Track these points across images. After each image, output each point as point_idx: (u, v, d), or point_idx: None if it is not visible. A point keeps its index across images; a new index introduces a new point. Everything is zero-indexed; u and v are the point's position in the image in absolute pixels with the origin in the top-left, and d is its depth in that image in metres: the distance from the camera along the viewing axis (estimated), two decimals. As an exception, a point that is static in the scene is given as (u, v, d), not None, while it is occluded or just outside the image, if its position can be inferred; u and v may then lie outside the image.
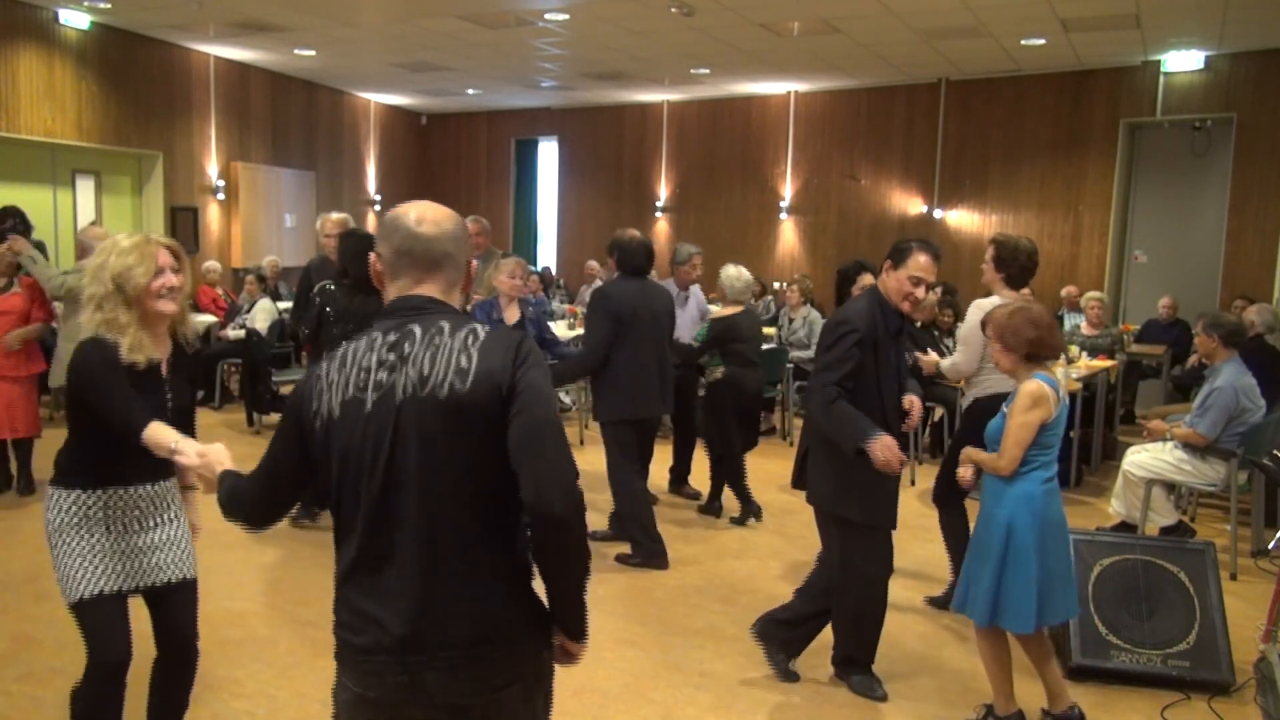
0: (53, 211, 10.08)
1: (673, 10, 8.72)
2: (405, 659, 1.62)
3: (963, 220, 11.83)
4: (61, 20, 9.58)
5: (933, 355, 4.94)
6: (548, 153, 15.07)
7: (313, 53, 11.22)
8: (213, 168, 11.70)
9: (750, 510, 5.92)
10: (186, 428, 2.60)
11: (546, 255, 15.20)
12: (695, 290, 6.73)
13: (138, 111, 10.59)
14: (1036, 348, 3.18)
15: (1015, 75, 11.24)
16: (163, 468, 2.61)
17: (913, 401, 3.57)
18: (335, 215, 6.00)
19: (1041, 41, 9.69)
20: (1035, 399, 3.14)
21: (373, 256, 1.81)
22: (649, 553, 5.05)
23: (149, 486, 2.63)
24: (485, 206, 15.14)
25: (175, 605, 2.69)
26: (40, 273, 5.94)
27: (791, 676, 3.73)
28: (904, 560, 5.08)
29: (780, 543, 5.53)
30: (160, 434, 2.40)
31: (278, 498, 1.83)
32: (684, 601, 4.59)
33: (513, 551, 1.71)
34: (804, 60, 10.86)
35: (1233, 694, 3.67)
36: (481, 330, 1.71)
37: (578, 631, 1.79)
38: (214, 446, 2.25)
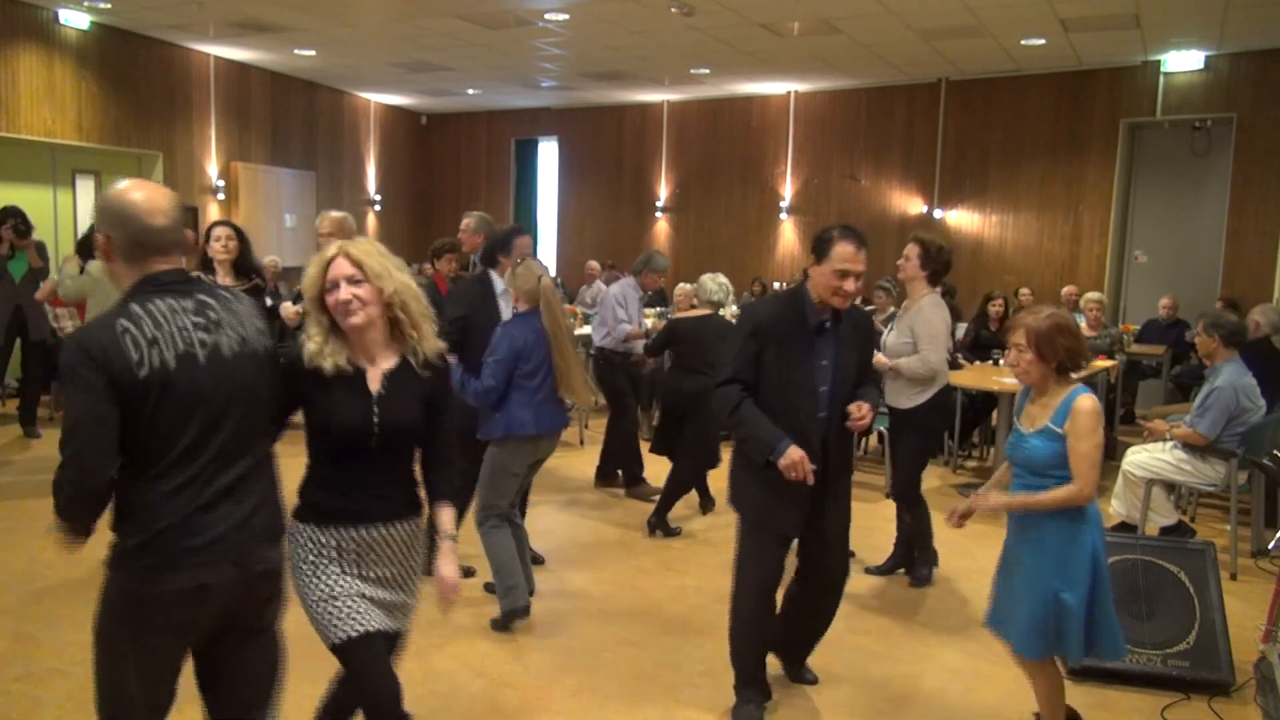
0: (53, 211, 10.08)
1: (673, 10, 8.71)
2: (242, 547, 2.08)
3: (963, 220, 11.83)
4: (61, 20, 9.58)
5: (879, 355, 4.60)
6: (548, 153, 15.07)
7: (313, 53, 11.22)
8: (213, 168, 11.70)
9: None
10: (402, 450, 2.44)
11: (547, 256, 15.19)
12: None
13: (138, 111, 10.59)
14: (1070, 356, 2.97)
15: (1015, 75, 11.23)
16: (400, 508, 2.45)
17: (861, 405, 3.21)
18: (333, 214, 5.85)
19: (1041, 41, 9.69)
20: (1097, 416, 2.92)
21: (100, 236, 2.06)
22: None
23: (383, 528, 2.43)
24: (485, 206, 15.05)
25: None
26: (52, 285, 6.02)
27: (809, 678, 3.72)
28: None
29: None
30: None
31: (114, 458, 1.97)
32: (684, 601, 4.58)
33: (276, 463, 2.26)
34: (804, 60, 10.86)
35: (1233, 694, 3.67)
36: (246, 298, 2.22)
37: None
38: None
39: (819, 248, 3.22)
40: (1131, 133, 11.12)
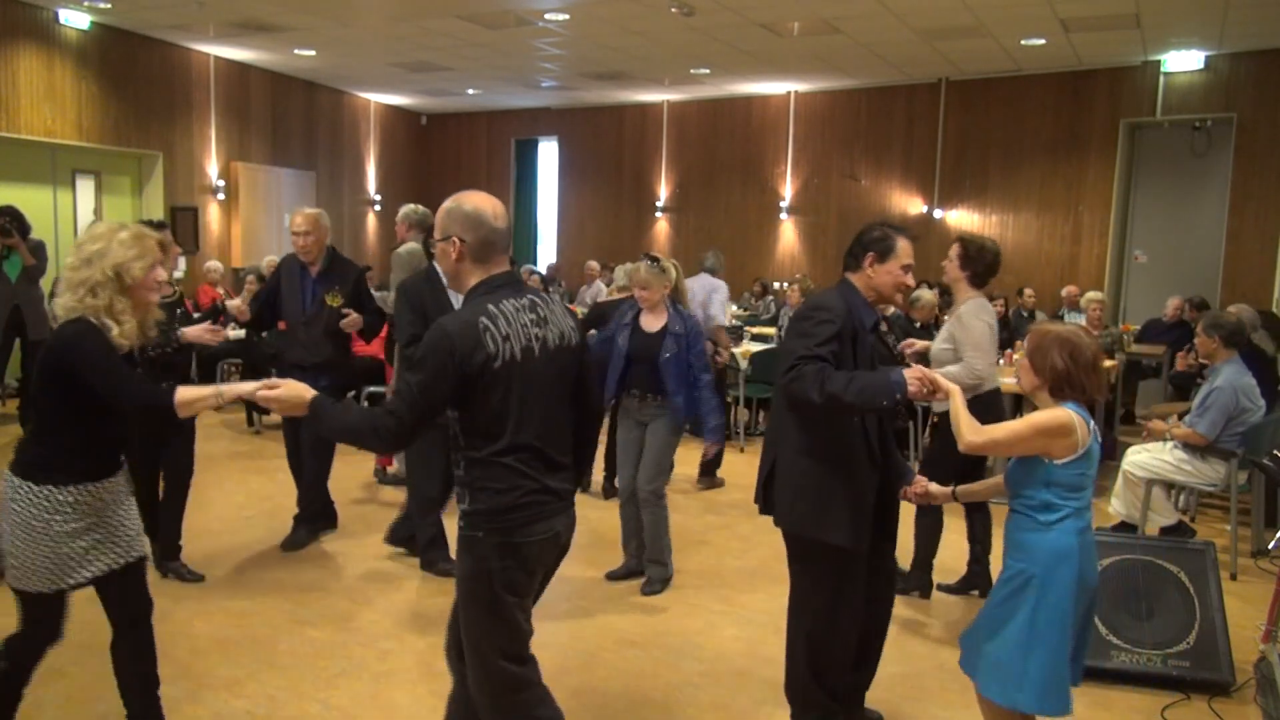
0: (53, 211, 10.07)
1: (673, 10, 8.72)
2: (570, 505, 2.60)
3: (963, 220, 11.83)
4: (61, 20, 9.58)
5: (920, 341, 4.74)
6: (548, 153, 15.07)
7: (313, 53, 11.22)
8: (213, 168, 11.69)
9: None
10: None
11: (546, 255, 15.20)
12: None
13: (138, 111, 10.58)
14: (1061, 382, 2.66)
15: (1015, 75, 11.24)
16: (116, 465, 2.79)
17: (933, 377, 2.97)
18: (306, 210, 5.61)
19: (1041, 41, 9.69)
20: (1061, 427, 2.60)
21: (456, 240, 2.36)
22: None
23: (112, 480, 2.77)
24: (485, 206, 15.14)
25: (131, 582, 2.87)
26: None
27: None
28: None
29: (782, 542, 5.51)
30: (192, 392, 2.65)
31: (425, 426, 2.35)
32: (683, 601, 4.58)
33: None
34: (804, 60, 10.86)
35: (1233, 694, 3.67)
36: (557, 299, 2.58)
37: None
38: (285, 381, 2.49)
39: (879, 246, 3.13)
40: (1131, 133, 11.13)
